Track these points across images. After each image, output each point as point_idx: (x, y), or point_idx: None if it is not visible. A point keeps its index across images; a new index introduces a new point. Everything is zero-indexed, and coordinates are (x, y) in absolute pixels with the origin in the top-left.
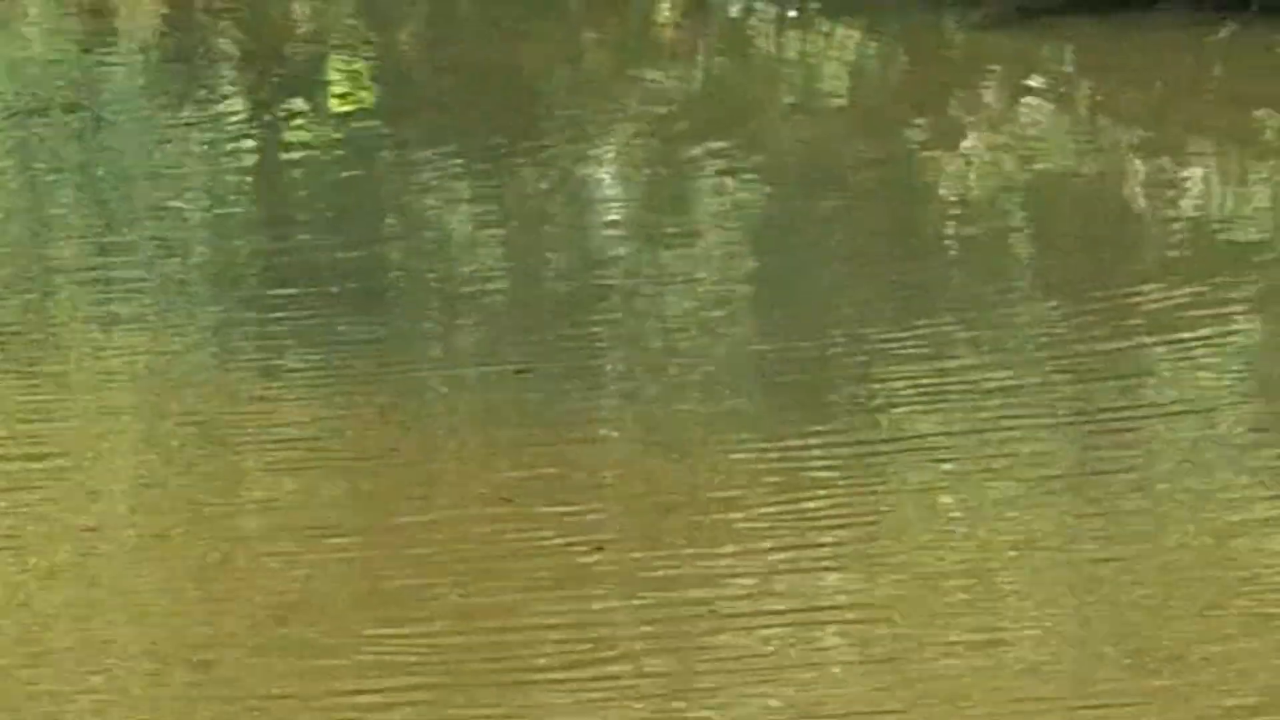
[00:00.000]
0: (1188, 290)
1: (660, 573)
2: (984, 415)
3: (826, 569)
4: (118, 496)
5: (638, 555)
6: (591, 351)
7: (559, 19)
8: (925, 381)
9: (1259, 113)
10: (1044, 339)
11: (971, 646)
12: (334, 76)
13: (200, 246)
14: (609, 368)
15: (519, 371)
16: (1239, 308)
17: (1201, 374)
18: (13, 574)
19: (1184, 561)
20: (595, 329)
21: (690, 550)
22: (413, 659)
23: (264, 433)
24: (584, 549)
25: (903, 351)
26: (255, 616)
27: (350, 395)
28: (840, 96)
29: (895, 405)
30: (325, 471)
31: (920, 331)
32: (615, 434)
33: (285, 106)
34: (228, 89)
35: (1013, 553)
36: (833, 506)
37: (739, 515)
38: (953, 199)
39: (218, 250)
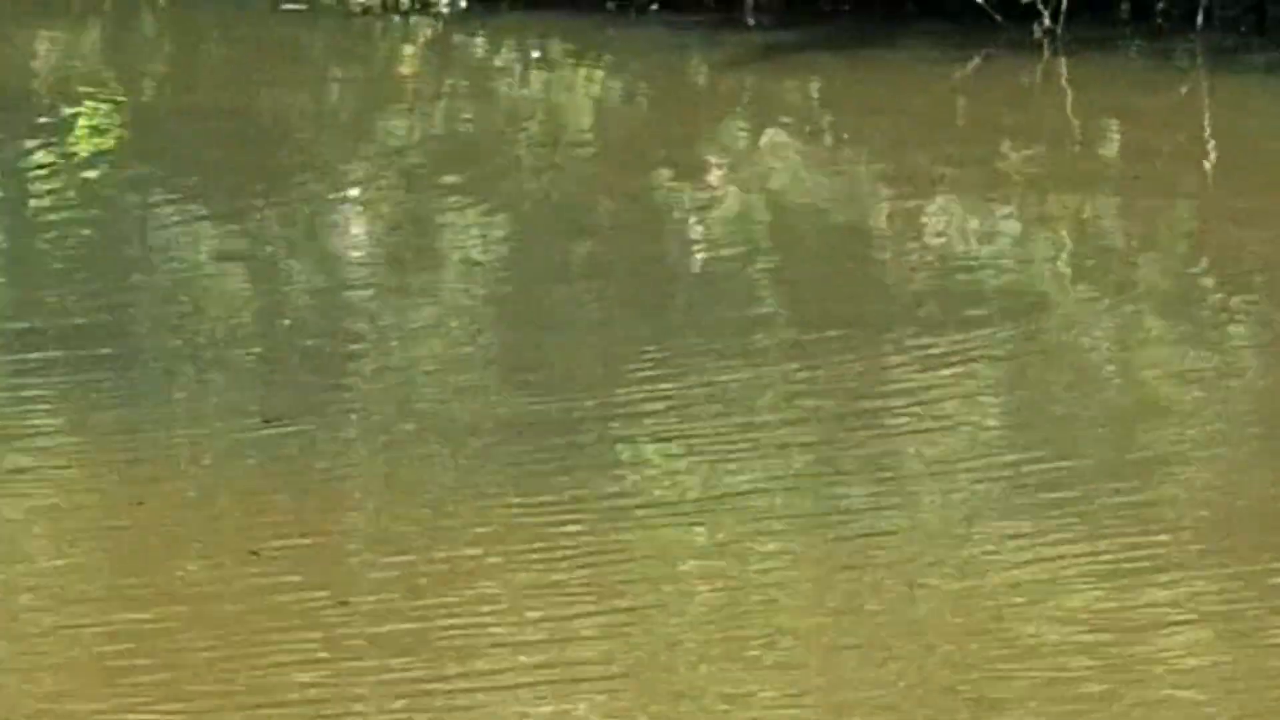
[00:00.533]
0: (940, 334)
1: (405, 628)
2: (734, 473)
3: (576, 629)
4: None
5: (383, 610)
6: (339, 402)
7: (304, 64)
8: (674, 439)
9: (1004, 146)
10: (793, 391)
11: (716, 716)
12: (78, 121)
13: None
14: (356, 419)
15: (266, 422)
16: (992, 352)
17: (955, 427)
18: None
19: (936, 631)
20: (343, 380)
21: (437, 607)
22: None
23: (13, 497)
24: (329, 603)
25: (652, 406)
26: (11, 688)
27: (96, 453)
28: (586, 137)
29: (645, 463)
30: (73, 533)
31: (668, 383)
32: (363, 486)
33: (26, 153)
34: None
35: (762, 616)
36: (583, 567)
37: (488, 573)
38: (701, 240)
39: None
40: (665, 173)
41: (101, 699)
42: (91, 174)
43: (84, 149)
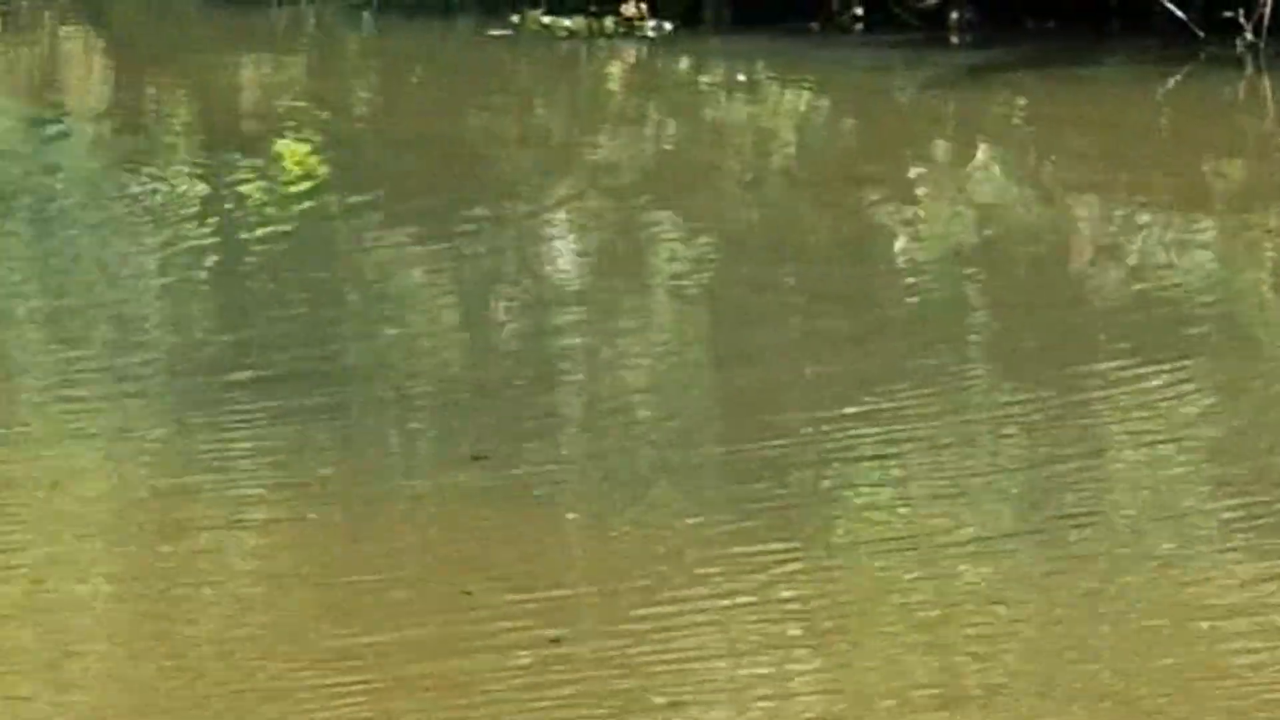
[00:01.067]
0: (1153, 362)
1: (618, 672)
2: (953, 515)
3: (792, 669)
4: (82, 613)
5: (595, 648)
6: (549, 437)
7: (511, 88)
8: (889, 471)
9: (1208, 163)
10: (1008, 425)
11: None
12: (286, 151)
13: (155, 333)
14: (567, 452)
15: (476, 458)
16: (1205, 380)
17: (1171, 461)
18: None
19: (1164, 680)
20: (553, 411)
21: (651, 653)
22: None
23: (221, 527)
24: (541, 642)
25: (867, 441)
26: None
27: (307, 487)
28: (791, 160)
29: (859, 495)
30: (286, 579)
31: (882, 418)
32: (575, 524)
33: (234, 184)
34: (178, 166)
35: (985, 666)
36: (799, 603)
37: (701, 609)
38: (909, 264)
39: (173, 338)
40: (871, 193)
41: None
42: (299, 204)
43: (292, 178)
